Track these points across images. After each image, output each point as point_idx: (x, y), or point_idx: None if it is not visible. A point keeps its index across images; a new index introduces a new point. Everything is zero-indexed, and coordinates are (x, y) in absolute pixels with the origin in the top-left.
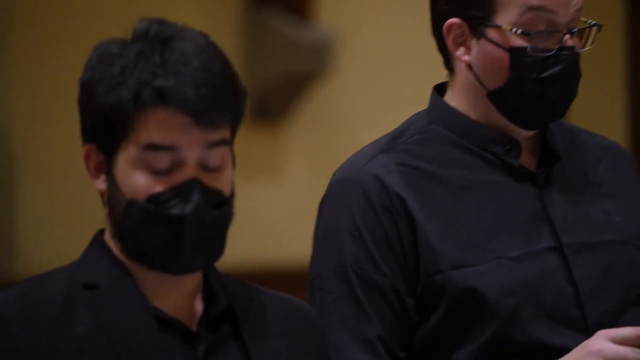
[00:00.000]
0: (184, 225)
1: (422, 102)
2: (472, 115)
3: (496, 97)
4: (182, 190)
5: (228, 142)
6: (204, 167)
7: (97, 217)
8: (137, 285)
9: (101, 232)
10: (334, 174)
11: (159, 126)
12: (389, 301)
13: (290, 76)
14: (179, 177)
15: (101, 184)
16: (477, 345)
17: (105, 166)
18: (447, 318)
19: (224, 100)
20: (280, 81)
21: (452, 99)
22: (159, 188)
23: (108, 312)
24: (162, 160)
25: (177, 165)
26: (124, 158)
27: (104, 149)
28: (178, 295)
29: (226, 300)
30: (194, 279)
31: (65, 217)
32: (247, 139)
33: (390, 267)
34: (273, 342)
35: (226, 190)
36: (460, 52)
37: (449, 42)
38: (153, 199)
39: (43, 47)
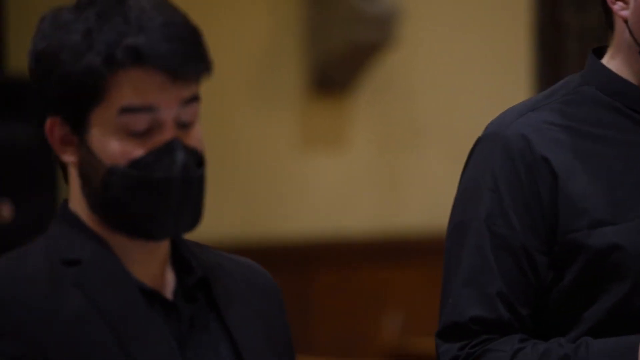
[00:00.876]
0: (171, 188)
1: (486, 72)
2: (626, 75)
3: None
4: (164, 152)
5: (199, 98)
6: (180, 125)
7: None
8: (117, 257)
9: (65, 203)
10: (485, 129)
11: (134, 87)
12: (517, 258)
13: (354, 47)
14: (159, 138)
15: (68, 156)
16: (609, 304)
17: (74, 138)
18: (581, 276)
19: (196, 53)
20: (345, 52)
21: (609, 59)
22: (139, 152)
23: (96, 288)
24: (140, 122)
25: (155, 126)
26: (98, 125)
27: (71, 119)
28: (153, 265)
29: (200, 268)
30: (165, 247)
31: None
32: (310, 110)
33: (523, 225)
34: (243, 308)
35: (200, 148)
36: (618, 6)
37: None
38: (135, 163)
39: None
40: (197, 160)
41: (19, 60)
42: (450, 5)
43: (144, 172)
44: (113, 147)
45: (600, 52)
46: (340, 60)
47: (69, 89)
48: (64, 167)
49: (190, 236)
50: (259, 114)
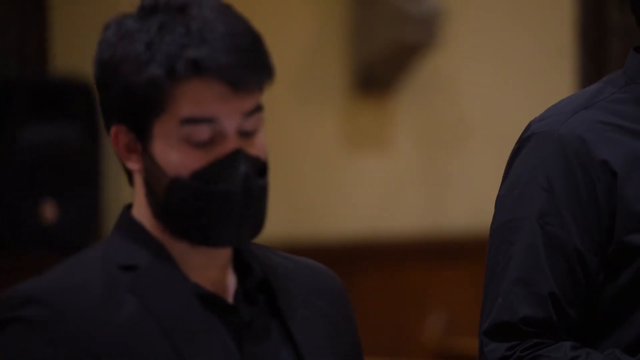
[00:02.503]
0: (231, 200)
1: (531, 73)
2: None
3: None
4: (226, 163)
5: (262, 107)
6: (242, 134)
7: None
8: (175, 263)
9: (128, 209)
10: (528, 127)
11: (195, 98)
12: (570, 259)
13: (398, 47)
14: (221, 149)
15: (134, 164)
16: None
17: (138, 145)
18: (637, 277)
19: (257, 63)
20: (389, 52)
21: None
22: (202, 163)
23: (151, 294)
24: (202, 132)
25: (217, 136)
26: (161, 135)
27: (134, 128)
28: (214, 269)
29: (261, 271)
30: (227, 251)
31: None
32: (355, 110)
33: (578, 225)
34: (307, 311)
35: (263, 155)
36: None
37: None
38: (197, 175)
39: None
40: (259, 168)
41: (65, 62)
42: (494, 5)
43: (205, 184)
44: (175, 158)
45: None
46: (384, 60)
47: (132, 100)
48: (129, 172)
49: None
50: (304, 113)
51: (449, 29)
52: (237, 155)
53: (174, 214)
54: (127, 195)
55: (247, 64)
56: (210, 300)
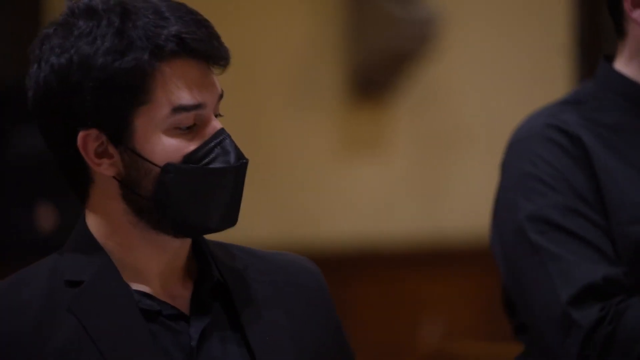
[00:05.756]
0: (230, 176)
1: (528, 78)
2: None
3: None
4: (215, 143)
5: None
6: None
7: None
8: (120, 276)
9: (83, 220)
10: (514, 134)
11: (180, 83)
12: (606, 240)
13: (395, 52)
14: (206, 131)
15: (105, 169)
16: None
17: (111, 147)
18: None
19: (222, 41)
20: (385, 57)
21: (623, 65)
22: (191, 146)
23: (93, 312)
24: (189, 118)
25: (198, 120)
26: (145, 126)
27: (109, 128)
28: (171, 276)
29: (218, 274)
30: (185, 250)
31: None
32: (351, 116)
33: (597, 209)
34: (268, 312)
35: None
36: (637, 14)
37: (627, 3)
38: (189, 158)
39: None
40: None
41: None
42: (491, 10)
43: (201, 164)
44: (164, 146)
45: (608, 58)
46: (381, 65)
47: (110, 94)
48: (84, 184)
49: (230, 241)
50: (299, 119)
51: (445, 35)
52: (223, 134)
53: (166, 203)
54: None
55: (217, 39)
56: (157, 315)
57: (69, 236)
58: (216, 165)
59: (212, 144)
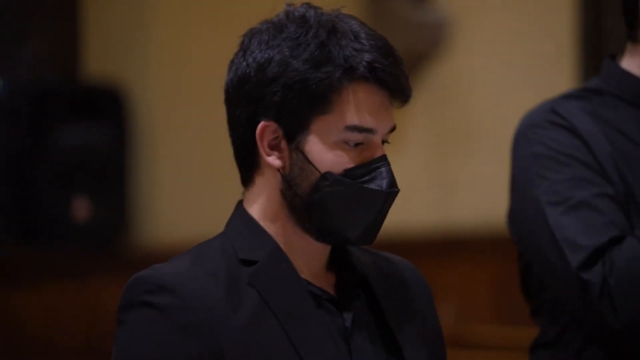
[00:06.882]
0: (379, 199)
1: (539, 80)
2: None
3: None
4: (375, 167)
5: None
6: (382, 143)
7: (235, 188)
8: (289, 260)
9: (241, 204)
10: (522, 122)
11: (360, 106)
12: (615, 209)
13: (408, 53)
14: (369, 153)
15: (273, 160)
16: None
17: (284, 142)
18: None
19: (409, 80)
20: None
21: (634, 67)
22: (352, 163)
23: (270, 289)
24: (358, 138)
25: (367, 142)
26: (319, 134)
27: (288, 124)
28: (318, 265)
29: (360, 268)
30: (328, 250)
31: (205, 188)
32: None
33: (607, 180)
34: (398, 305)
35: None
36: None
37: None
38: (348, 173)
39: (183, 20)
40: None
41: (96, 69)
42: (501, 11)
43: (357, 182)
44: (330, 156)
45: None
46: None
47: (299, 95)
48: (250, 169)
49: None
50: None
51: (459, 37)
52: (384, 161)
53: (317, 208)
54: (153, 195)
55: (405, 76)
56: (320, 297)
57: (100, 225)
58: (370, 186)
59: (372, 166)
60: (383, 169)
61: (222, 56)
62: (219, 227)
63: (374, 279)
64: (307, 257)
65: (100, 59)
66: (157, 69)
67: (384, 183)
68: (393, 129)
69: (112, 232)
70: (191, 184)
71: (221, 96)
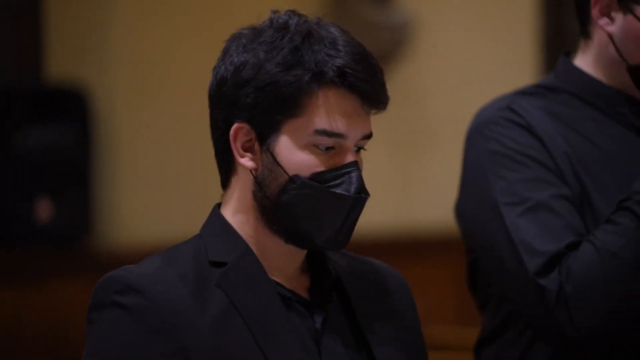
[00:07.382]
0: (346, 204)
1: (501, 81)
2: (604, 81)
3: (636, 72)
4: (344, 172)
5: (372, 135)
6: (355, 150)
7: (197, 190)
8: (259, 262)
9: (218, 207)
10: (476, 119)
11: (330, 110)
12: (573, 211)
13: None
14: (340, 158)
15: (246, 161)
16: None
17: (256, 144)
18: None
19: (385, 86)
20: None
21: (585, 64)
22: (321, 167)
23: (238, 290)
24: (328, 142)
25: (337, 147)
26: (289, 136)
27: (260, 126)
28: (292, 268)
29: (334, 271)
30: (304, 252)
31: (167, 189)
32: None
33: (564, 181)
34: (374, 309)
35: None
36: (604, 21)
37: (595, 10)
38: (316, 177)
39: (144, 23)
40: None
41: (59, 69)
42: (463, 15)
43: (324, 185)
44: (298, 159)
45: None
46: None
47: (269, 97)
48: (228, 172)
49: None
50: None
51: (417, 38)
52: (354, 166)
53: (284, 210)
54: (116, 196)
55: (380, 83)
56: (290, 299)
57: (62, 226)
58: (337, 190)
59: (342, 171)
60: (353, 174)
61: (184, 57)
62: (182, 228)
63: (348, 281)
64: (280, 259)
65: (63, 61)
66: (120, 71)
67: (352, 188)
68: (369, 135)
69: (75, 233)
70: (154, 185)
71: (183, 97)
